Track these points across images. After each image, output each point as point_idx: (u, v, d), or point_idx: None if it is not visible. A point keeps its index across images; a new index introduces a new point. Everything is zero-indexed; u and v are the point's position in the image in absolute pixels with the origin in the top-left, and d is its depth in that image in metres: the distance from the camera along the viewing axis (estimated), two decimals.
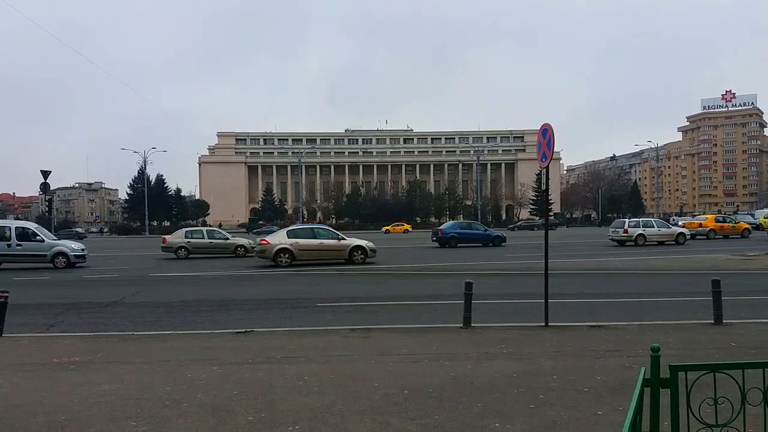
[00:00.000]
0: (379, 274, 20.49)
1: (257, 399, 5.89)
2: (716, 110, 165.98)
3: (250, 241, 31.70)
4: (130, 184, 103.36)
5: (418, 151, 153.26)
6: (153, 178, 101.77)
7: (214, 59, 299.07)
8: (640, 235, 33.64)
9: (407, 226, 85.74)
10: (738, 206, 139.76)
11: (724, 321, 9.59)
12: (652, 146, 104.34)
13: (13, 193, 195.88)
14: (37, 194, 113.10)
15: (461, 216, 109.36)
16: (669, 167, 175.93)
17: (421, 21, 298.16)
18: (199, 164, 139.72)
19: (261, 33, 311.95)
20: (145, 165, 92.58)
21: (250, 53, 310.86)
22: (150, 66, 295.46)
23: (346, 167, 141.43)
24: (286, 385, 6.36)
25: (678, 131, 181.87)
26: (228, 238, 31.77)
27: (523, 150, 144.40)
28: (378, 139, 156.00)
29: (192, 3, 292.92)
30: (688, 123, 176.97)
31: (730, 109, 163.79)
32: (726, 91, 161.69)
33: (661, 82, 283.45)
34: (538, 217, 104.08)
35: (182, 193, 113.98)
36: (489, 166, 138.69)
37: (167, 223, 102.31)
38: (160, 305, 13.43)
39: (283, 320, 11.20)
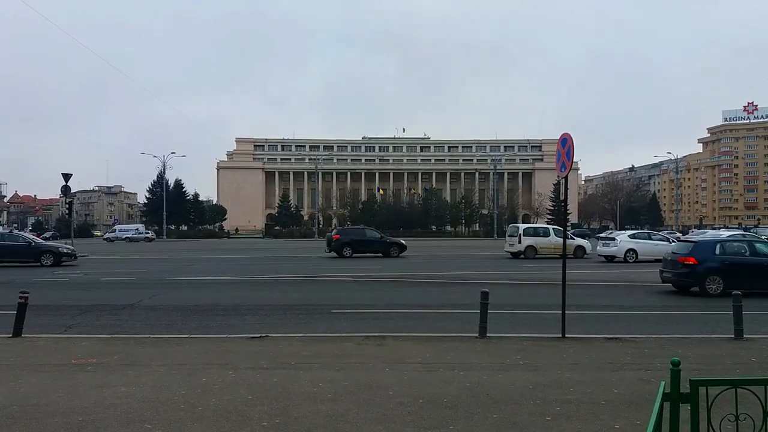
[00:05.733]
0: (392, 282, 20.47)
1: (272, 405, 5.89)
2: (738, 122, 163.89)
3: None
4: (149, 188, 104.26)
5: (435, 160, 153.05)
6: (172, 182, 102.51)
7: (232, 68, 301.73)
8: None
9: None
10: (759, 219, 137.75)
11: (744, 336, 9.44)
12: (672, 157, 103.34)
13: (35, 195, 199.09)
14: (57, 197, 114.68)
15: (477, 225, 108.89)
16: (689, 179, 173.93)
17: (437, 31, 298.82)
18: (218, 169, 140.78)
19: (276, 45, 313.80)
20: (164, 169, 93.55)
21: (266, 63, 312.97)
22: (169, 73, 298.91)
23: (363, 175, 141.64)
24: (301, 392, 6.37)
25: (698, 143, 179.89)
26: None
27: (541, 159, 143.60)
28: (395, 147, 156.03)
29: (207, 14, 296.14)
30: (708, 135, 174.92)
31: (752, 121, 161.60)
32: (748, 103, 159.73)
33: (681, 93, 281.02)
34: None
35: (200, 198, 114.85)
36: (506, 175, 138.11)
37: (185, 227, 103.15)
38: (176, 309, 13.54)
39: (298, 326, 11.21)
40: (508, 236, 34.32)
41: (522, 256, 31.61)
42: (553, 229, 34.16)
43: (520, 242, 31.99)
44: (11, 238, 29.72)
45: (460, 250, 46.22)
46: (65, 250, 28.08)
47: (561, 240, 31.27)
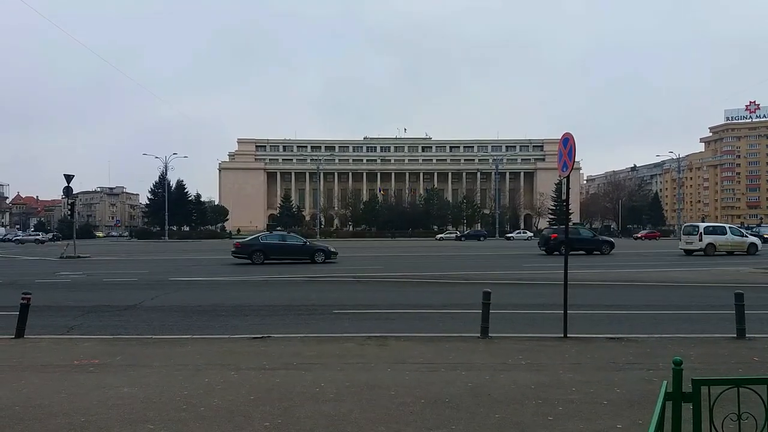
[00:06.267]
0: (396, 282, 20.46)
1: (274, 405, 5.90)
2: (740, 121, 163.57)
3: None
4: (151, 189, 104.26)
5: (437, 160, 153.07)
6: (174, 183, 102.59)
7: (233, 68, 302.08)
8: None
9: None
10: (761, 218, 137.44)
11: (747, 335, 9.42)
12: (674, 157, 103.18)
13: (37, 196, 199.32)
14: (59, 198, 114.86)
15: (479, 225, 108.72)
16: (691, 178, 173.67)
17: (439, 31, 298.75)
18: (219, 170, 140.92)
19: (276, 45, 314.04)
20: (166, 170, 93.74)
21: (267, 63, 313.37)
22: (171, 73, 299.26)
23: (364, 175, 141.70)
24: (303, 392, 6.37)
25: (700, 142, 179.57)
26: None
27: (543, 159, 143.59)
28: (396, 147, 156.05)
29: (208, 17, 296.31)
30: (710, 134, 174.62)
31: (754, 120, 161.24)
32: (750, 102, 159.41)
33: (683, 92, 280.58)
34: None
35: (202, 199, 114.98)
36: (508, 175, 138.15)
37: (187, 228, 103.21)
38: (178, 310, 13.55)
39: (300, 326, 11.21)
40: (684, 234, 36.40)
41: (702, 253, 33.19)
42: (728, 227, 37.62)
43: (700, 240, 33.82)
44: (292, 239, 33.34)
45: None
46: (332, 249, 31.63)
47: (737, 237, 34.76)
